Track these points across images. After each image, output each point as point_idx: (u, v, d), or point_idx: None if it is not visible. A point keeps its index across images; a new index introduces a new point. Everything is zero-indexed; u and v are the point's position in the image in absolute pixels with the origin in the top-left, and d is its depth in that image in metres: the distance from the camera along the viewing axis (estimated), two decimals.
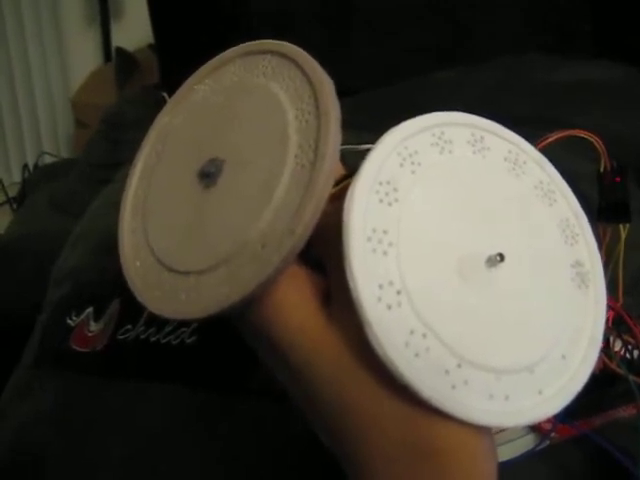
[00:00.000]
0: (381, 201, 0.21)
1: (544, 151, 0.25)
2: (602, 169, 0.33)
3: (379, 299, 0.20)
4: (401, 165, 0.22)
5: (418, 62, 0.73)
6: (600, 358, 0.33)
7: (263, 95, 0.23)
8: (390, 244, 0.20)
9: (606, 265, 0.32)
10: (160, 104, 0.27)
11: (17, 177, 1.50)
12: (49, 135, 1.61)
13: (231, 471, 0.35)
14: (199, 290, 0.21)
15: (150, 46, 1.39)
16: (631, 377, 0.32)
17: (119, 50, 1.51)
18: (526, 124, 0.29)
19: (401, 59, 0.87)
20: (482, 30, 0.87)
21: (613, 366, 0.32)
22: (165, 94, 0.76)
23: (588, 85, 0.64)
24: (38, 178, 0.96)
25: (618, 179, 0.32)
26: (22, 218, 0.83)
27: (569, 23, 0.87)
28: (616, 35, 0.87)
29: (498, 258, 0.21)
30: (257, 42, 0.25)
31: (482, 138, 0.23)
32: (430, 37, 0.87)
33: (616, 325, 0.33)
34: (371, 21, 0.89)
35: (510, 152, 0.24)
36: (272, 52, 0.24)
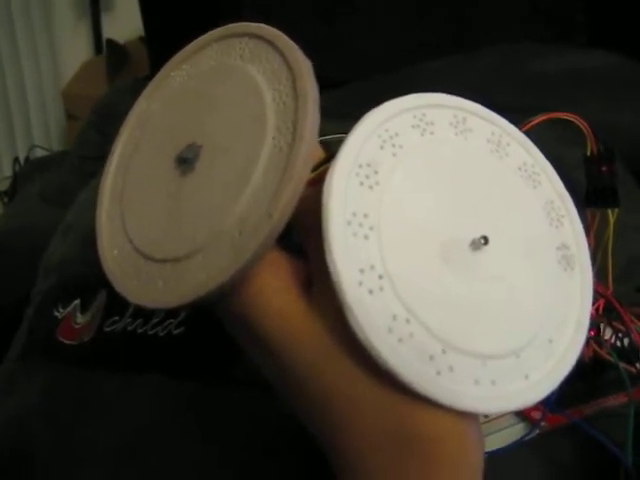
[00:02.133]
0: (361, 184, 0.20)
1: (531, 135, 0.25)
2: (589, 153, 0.32)
3: (360, 283, 0.19)
4: (381, 147, 0.21)
5: (418, 57, 0.73)
6: (590, 346, 0.32)
7: (240, 78, 0.23)
8: (371, 228, 0.20)
9: (595, 251, 0.32)
10: None
11: (8, 171, 1.49)
12: (40, 128, 1.60)
13: (221, 461, 0.35)
14: (176, 278, 0.21)
15: (141, 38, 1.38)
16: (621, 365, 0.31)
17: (110, 42, 1.50)
18: (518, 113, 0.29)
19: (401, 54, 0.87)
20: (481, 25, 0.87)
21: (603, 354, 0.32)
22: None
23: (582, 74, 0.63)
24: (29, 171, 0.95)
25: (605, 168, 0.32)
26: (13, 212, 0.83)
27: (563, 15, 0.87)
28: (611, 27, 0.87)
29: (482, 241, 0.21)
30: (234, 25, 0.24)
31: (464, 120, 0.23)
32: (430, 33, 0.87)
33: (606, 313, 0.32)
34: (371, 16, 0.89)
35: (493, 134, 0.23)
36: (249, 35, 0.23)
